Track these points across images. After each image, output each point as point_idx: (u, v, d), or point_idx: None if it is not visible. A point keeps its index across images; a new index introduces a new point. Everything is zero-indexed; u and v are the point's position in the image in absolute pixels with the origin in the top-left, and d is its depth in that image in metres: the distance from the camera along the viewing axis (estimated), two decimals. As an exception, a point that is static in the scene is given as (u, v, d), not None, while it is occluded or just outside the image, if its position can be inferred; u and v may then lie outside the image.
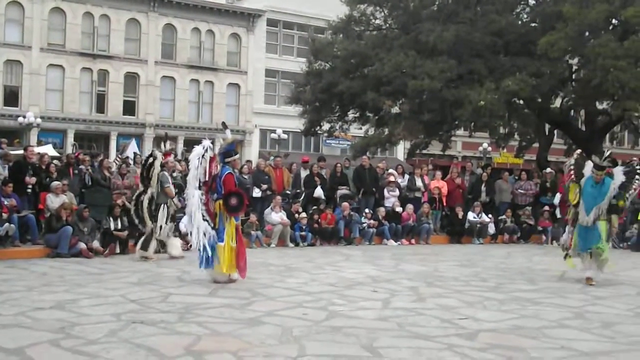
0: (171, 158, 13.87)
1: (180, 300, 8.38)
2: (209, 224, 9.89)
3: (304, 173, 18.39)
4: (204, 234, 9.80)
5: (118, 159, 17.92)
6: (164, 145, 14.04)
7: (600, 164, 11.20)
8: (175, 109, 41.57)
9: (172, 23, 41.19)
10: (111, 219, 13.77)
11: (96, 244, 13.35)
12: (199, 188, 10.06)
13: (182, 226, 14.66)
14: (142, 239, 12.94)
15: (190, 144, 40.72)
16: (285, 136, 40.60)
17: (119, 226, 13.79)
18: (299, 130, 29.79)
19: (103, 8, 39.21)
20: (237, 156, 10.78)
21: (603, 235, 10.96)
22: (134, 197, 13.42)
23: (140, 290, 9.17)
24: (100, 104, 39.64)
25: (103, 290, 9.03)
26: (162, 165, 13.07)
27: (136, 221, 13.28)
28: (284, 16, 44.53)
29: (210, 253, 9.77)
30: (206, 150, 10.12)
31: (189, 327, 6.92)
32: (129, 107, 40.29)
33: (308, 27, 42.63)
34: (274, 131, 40.35)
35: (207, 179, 10.05)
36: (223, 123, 11.18)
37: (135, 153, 18.20)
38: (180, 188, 15.74)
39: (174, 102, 41.57)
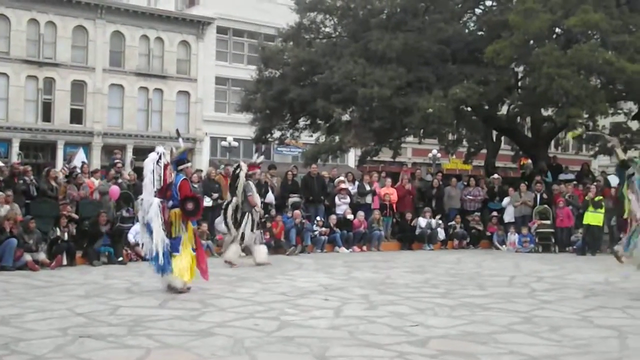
0: (258, 170, 14.93)
1: (129, 313, 8.26)
2: (165, 233, 9.84)
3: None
4: (160, 242, 9.74)
5: (65, 168, 17.57)
6: (255, 157, 15.38)
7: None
8: (124, 117, 40.99)
9: (120, 30, 40.64)
10: (58, 229, 13.52)
11: (42, 255, 13.07)
12: (155, 196, 10.00)
13: (131, 237, 14.52)
14: (227, 245, 13.75)
15: (139, 152, 40.32)
16: (236, 144, 40.37)
17: (66, 237, 13.55)
18: (250, 138, 29.66)
19: (49, 15, 38.48)
20: (189, 164, 10.86)
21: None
22: (223, 207, 14.30)
23: (87, 303, 9.01)
24: (47, 112, 38.86)
25: (49, 304, 8.85)
26: (249, 176, 13.91)
27: (225, 229, 14.30)
28: (234, 24, 44.36)
29: (164, 261, 9.72)
30: (160, 157, 10.07)
31: (138, 340, 6.82)
32: (76, 116, 39.58)
33: (258, 34, 42.59)
34: (224, 139, 40.13)
35: (161, 185, 10.01)
36: (177, 131, 11.27)
37: (83, 162, 17.84)
38: (129, 198, 15.71)
39: (122, 110, 41.00)
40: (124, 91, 40.91)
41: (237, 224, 13.75)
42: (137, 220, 14.84)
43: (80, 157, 18.99)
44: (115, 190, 15.88)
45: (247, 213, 13.77)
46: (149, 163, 10.09)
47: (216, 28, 43.81)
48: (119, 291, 10.12)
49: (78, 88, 39.59)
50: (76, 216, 14.60)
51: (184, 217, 10.03)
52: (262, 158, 16.10)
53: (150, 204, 9.92)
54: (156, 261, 9.80)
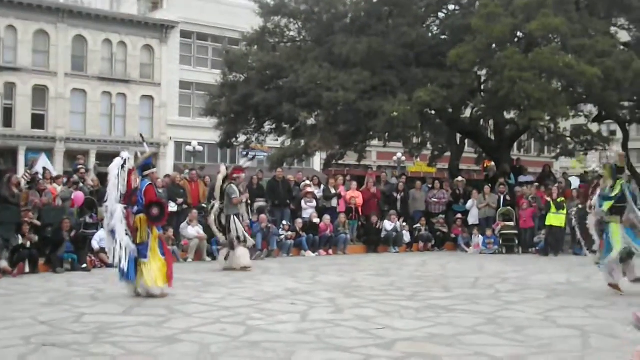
0: (243, 174, 14.76)
1: (94, 320, 8.18)
2: (130, 239, 9.82)
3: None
4: (126, 249, 9.70)
5: (27, 174, 17.31)
6: (243, 162, 15.60)
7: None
8: (87, 122, 40.50)
9: (83, 34, 40.15)
10: (20, 237, 13.33)
11: (4, 263, 12.87)
12: (120, 201, 9.96)
13: (95, 243, 14.39)
14: (227, 253, 13.79)
15: (103, 157, 39.88)
16: (201, 148, 40.19)
17: (28, 244, 13.37)
18: (215, 142, 29.52)
19: (9, 19, 37.89)
20: (154, 169, 10.82)
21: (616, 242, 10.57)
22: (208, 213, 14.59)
23: (51, 311, 8.90)
24: (8, 117, 38.20)
25: (11, 313, 8.72)
26: (233, 179, 14.02)
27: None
28: (198, 28, 44.15)
29: (129, 268, 9.70)
30: (125, 162, 10.01)
31: (103, 347, 6.76)
32: (38, 121, 38.98)
33: (222, 38, 42.47)
34: (189, 143, 39.93)
35: (126, 191, 9.98)
36: (141, 136, 11.20)
37: (44, 168, 17.59)
38: (93, 204, 15.56)
39: (85, 115, 40.50)
40: (87, 96, 40.43)
41: (223, 228, 13.88)
42: (102, 227, 14.82)
43: (42, 162, 18.74)
44: (79, 196, 15.70)
45: (231, 216, 13.82)
46: (114, 168, 10.05)
47: (180, 32, 43.54)
48: (83, 298, 10.01)
49: (39, 93, 39.02)
50: (38, 223, 14.39)
51: (149, 223, 10.00)
52: (249, 163, 16.30)
53: (114, 210, 9.87)
54: (120, 267, 9.77)
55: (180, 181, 17.88)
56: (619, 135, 30.33)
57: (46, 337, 7.19)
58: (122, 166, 10.02)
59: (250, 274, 13.32)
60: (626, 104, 25.09)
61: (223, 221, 13.97)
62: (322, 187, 19.73)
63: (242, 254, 13.80)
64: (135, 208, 10.00)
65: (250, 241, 14.30)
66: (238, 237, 13.81)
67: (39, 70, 38.85)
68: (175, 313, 8.71)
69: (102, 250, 14.45)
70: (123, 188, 9.99)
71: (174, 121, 42.74)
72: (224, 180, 14.06)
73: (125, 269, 9.74)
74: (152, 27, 42.36)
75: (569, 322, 8.29)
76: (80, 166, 17.96)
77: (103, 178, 17.80)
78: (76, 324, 8.00)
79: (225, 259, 13.89)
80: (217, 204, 14.02)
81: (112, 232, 9.88)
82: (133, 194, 10.04)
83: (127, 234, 9.83)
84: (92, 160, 36.36)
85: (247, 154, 18.61)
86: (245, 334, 7.44)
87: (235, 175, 14.24)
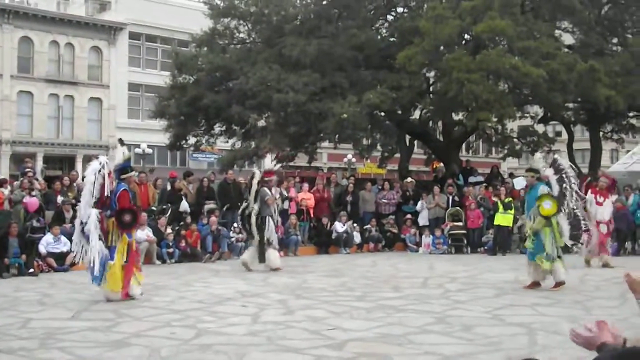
0: (274, 177, 15.42)
1: (41, 325, 8.05)
2: (103, 243, 9.87)
3: (169, 188, 18.14)
4: (98, 253, 9.74)
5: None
6: (271, 164, 16.26)
7: (532, 166, 11.44)
8: (34, 124, 39.75)
9: (29, 36, 39.41)
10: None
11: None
12: (94, 205, 9.97)
13: (42, 247, 14.15)
14: (257, 253, 14.15)
15: (50, 160, 39.31)
16: (150, 151, 39.75)
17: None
18: (165, 145, 29.25)
19: (-49, 19, 37.08)
20: (133, 173, 10.97)
21: (547, 246, 10.94)
22: (240, 214, 14.90)
23: (-3, 317, 8.73)
24: (-49, 120, 37.39)
25: (-45, 319, 8.52)
26: (264, 182, 14.47)
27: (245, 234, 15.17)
28: (147, 29, 43.73)
29: (101, 271, 9.75)
30: (102, 167, 10.05)
31: (50, 353, 6.66)
32: (-17, 124, 38.20)
33: (171, 40, 42.04)
34: (138, 146, 39.47)
35: (102, 195, 10.00)
36: (120, 140, 11.25)
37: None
38: (40, 207, 15.29)
39: (32, 118, 39.76)
40: (34, 98, 39.69)
41: (260, 229, 14.22)
42: (48, 231, 14.60)
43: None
44: (33, 202, 15.38)
45: (267, 217, 14.24)
46: (90, 173, 10.10)
47: (128, 34, 43.07)
48: (30, 303, 9.84)
49: (-16, 95, 38.19)
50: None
51: (120, 229, 10.06)
52: (278, 166, 16.62)
53: (88, 215, 9.90)
54: (92, 272, 9.81)
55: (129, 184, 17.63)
56: (564, 136, 31.02)
57: (-9, 344, 7.05)
58: (99, 171, 10.02)
59: (201, 276, 13.25)
60: (571, 105, 25.69)
61: (259, 222, 14.34)
62: (275, 189, 19.69)
63: (273, 256, 14.25)
64: (108, 212, 10.07)
65: (276, 243, 14.69)
66: (268, 239, 14.21)
67: (-16, 72, 38.00)
68: (124, 317, 8.62)
69: (49, 254, 14.24)
70: (97, 192, 9.97)
71: (122, 123, 42.20)
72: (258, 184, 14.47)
73: (97, 273, 9.77)
74: (100, 29, 41.81)
75: (517, 320, 8.45)
76: (28, 169, 17.60)
77: (50, 181, 17.60)
78: (23, 329, 7.86)
79: (248, 260, 14.25)
80: (256, 207, 14.29)
81: (85, 236, 9.90)
82: (108, 197, 10.06)
83: (100, 239, 9.87)
84: (40, 164, 35.69)
85: (277, 156, 19.16)
86: (196, 337, 7.41)
87: (266, 179, 14.67)
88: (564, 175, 11.20)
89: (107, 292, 9.87)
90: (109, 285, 9.86)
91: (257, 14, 25.02)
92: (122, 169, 10.46)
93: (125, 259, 10.04)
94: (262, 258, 14.17)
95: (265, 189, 14.49)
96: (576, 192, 11.36)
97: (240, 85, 23.07)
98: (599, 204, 15.07)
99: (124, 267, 10.00)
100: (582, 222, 11.69)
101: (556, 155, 12.06)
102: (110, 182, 10.12)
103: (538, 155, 12.56)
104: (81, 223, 10.01)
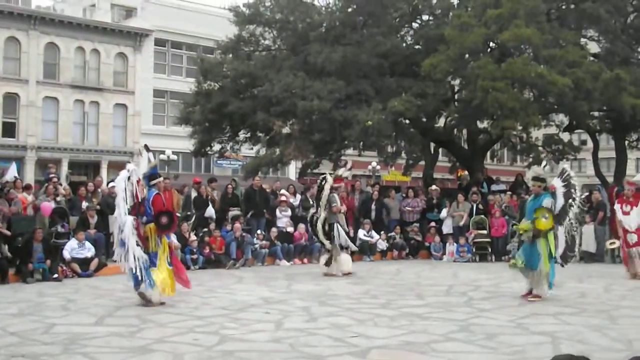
0: (343, 185, 15.47)
1: (65, 331, 8.09)
2: (141, 249, 10.00)
3: (194, 194, 18.19)
4: (138, 259, 9.87)
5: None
6: (341, 170, 15.89)
7: (539, 176, 11.32)
8: (59, 130, 40.12)
9: (55, 42, 39.83)
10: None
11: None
12: (129, 213, 10.12)
13: (67, 253, 14.29)
14: (327, 259, 14.36)
15: (75, 166, 39.68)
16: (175, 157, 40.01)
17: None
18: (189, 151, 29.40)
19: (-20, 26, 37.57)
20: (161, 178, 11.20)
21: (544, 256, 10.75)
22: (309, 220, 15.24)
23: (20, 321, 8.78)
24: (-23, 126, 37.86)
25: (-19, 323, 8.60)
26: (334, 189, 14.55)
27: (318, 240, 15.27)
28: (172, 36, 44.05)
29: (145, 276, 9.88)
30: (131, 174, 10.22)
31: (73, 358, 6.69)
32: (9, 129, 38.54)
33: (197, 47, 42.37)
34: (163, 152, 39.71)
35: (135, 202, 10.17)
36: (145, 146, 11.36)
37: (15, 177, 17.34)
38: (64, 213, 15.43)
39: (57, 124, 40.13)
40: (59, 104, 40.07)
41: (328, 236, 14.35)
42: (73, 236, 14.72)
43: (12, 171, 18.48)
44: (45, 207, 15.50)
45: (334, 224, 14.39)
46: (120, 181, 10.28)
47: (154, 40, 43.40)
48: (53, 309, 9.90)
49: (10, 101, 38.61)
50: (8, 232, 14.20)
51: (159, 232, 10.23)
52: (347, 173, 16.53)
53: (124, 223, 10.04)
54: (134, 277, 9.93)
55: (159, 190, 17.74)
56: (590, 144, 30.70)
57: (16, 349, 7.09)
58: (129, 178, 10.19)
59: (224, 282, 13.27)
60: (596, 114, 25.42)
61: (327, 229, 14.48)
62: (299, 196, 19.70)
63: (345, 261, 14.40)
64: (145, 218, 10.22)
65: (353, 247, 14.96)
66: (341, 245, 14.37)
67: (10, 78, 38.47)
68: (147, 323, 8.64)
69: (74, 260, 14.34)
70: (131, 200, 10.14)
71: (147, 130, 42.45)
72: (330, 190, 14.58)
73: (144, 278, 9.90)
74: (125, 35, 42.15)
75: (541, 329, 8.36)
76: (52, 175, 17.75)
77: (75, 187, 17.73)
78: (46, 334, 7.90)
79: (326, 264, 14.44)
80: (323, 213, 14.42)
81: (123, 244, 10.01)
82: (141, 204, 10.22)
83: (138, 245, 9.99)
84: (64, 169, 36.04)
85: (346, 163, 19.03)
86: (219, 344, 7.41)
87: (336, 185, 14.74)
88: (572, 190, 10.93)
89: (154, 295, 9.95)
90: (163, 291, 10.04)
91: (282, 21, 25.09)
92: (151, 176, 10.62)
93: (169, 262, 10.29)
94: (329, 262, 14.38)
95: (335, 195, 14.58)
96: (578, 206, 11.09)
97: (265, 92, 23.13)
98: (625, 213, 14.84)
99: (171, 271, 10.28)
100: (577, 245, 11.48)
101: (565, 166, 11.81)
102: (141, 189, 10.27)
103: (544, 164, 12.41)
104: (119, 231, 10.14)
